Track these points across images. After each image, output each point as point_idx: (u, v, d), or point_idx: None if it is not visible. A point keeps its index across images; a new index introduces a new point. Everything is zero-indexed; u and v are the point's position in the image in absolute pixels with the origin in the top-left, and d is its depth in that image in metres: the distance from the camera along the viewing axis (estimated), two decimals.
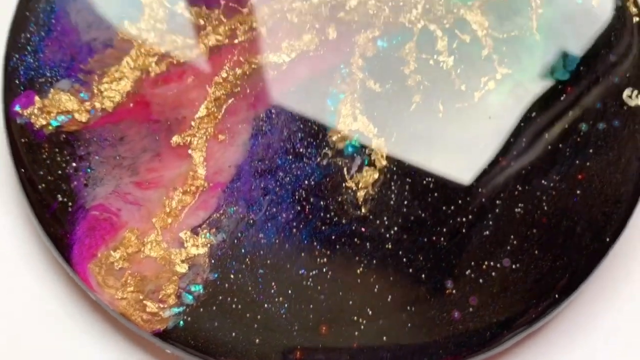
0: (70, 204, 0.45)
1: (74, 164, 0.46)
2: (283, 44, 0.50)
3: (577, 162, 0.47)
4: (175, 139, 0.47)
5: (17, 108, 0.47)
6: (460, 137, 0.48)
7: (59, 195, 0.45)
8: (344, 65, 0.49)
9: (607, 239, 0.45)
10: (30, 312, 0.46)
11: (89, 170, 0.46)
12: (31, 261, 0.47)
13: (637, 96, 0.48)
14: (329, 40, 0.50)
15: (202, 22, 0.50)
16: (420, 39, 0.50)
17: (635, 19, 0.50)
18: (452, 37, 0.50)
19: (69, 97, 0.47)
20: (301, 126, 0.48)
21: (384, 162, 0.47)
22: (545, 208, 0.46)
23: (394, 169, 0.47)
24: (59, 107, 0.47)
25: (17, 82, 0.48)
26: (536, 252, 0.45)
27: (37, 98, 0.47)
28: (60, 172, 0.46)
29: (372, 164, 0.47)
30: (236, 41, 0.49)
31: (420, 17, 0.50)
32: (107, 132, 0.47)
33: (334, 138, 0.48)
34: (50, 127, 0.47)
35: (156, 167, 0.46)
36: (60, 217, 0.45)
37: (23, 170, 0.46)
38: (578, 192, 0.46)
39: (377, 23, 0.50)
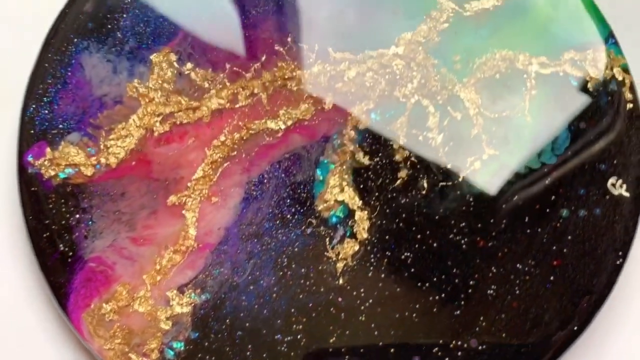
0: (70, 254, 0.49)
1: (77, 216, 0.50)
2: (281, 111, 0.52)
3: (554, 248, 0.48)
4: (172, 198, 0.50)
5: (30, 158, 0.51)
6: (441, 216, 0.49)
7: (61, 245, 0.49)
8: (337, 136, 0.51)
9: (575, 328, 0.46)
10: (25, 350, 0.50)
11: (90, 222, 0.50)
12: (33, 304, 0.51)
13: (621, 186, 0.49)
14: (324, 110, 0.52)
15: (206, 85, 0.52)
16: (412, 113, 0.52)
17: (629, 106, 0.51)
18: (444, 114, 0.51)
19: (77, 151, 0.51)
20: (290, 192, 0.50)
21: (365, 235, 0.49)
22: (517, 292, 0.47)
23: (375, 241, 0.49)
24: (67, 160, 0.51)
25: (32, 132, 0.52)
26: (503, 335, 0.46)
27: (48, 149, 0.51)
28: (64, 222, 0.50)
29: (353, 235, 0.49)
30: (237, 106, 0.52)
31: (415, 91, 0.52)
32: (110, 187, 0.50)
33: (320, 207, 0.50)
34: (58, 179, 0.51)
35: (152, 224, 0.50)
36: (61, 266, 0.49)
37: (31, 217, 0.50)
38: (551, 278, 0.47)
39: (373, 95, 0.52)
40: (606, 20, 0.54)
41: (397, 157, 0.51)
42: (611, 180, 0.49)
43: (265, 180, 0.50)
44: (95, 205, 0.50)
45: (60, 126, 0.52)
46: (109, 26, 0.54)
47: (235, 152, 0.51)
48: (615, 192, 0.49)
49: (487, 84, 0.52)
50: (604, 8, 0.54)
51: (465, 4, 0.55)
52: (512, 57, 0.53)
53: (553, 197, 0.49)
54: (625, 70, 0.52)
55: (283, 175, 0.50)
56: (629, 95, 0.51)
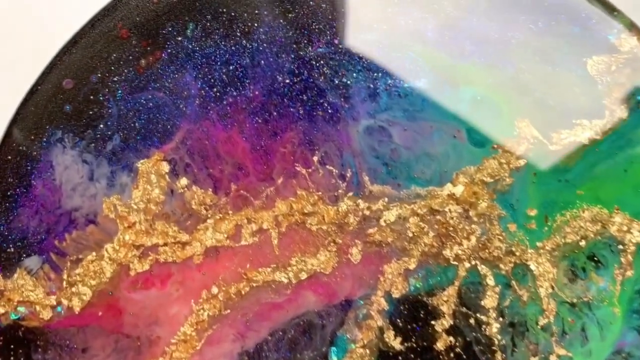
0: None
1: None
2: (294, 259, 0.40)
3: None
4: None
5: None
6: None
7: None
8: (363, 302, 0.40)
9: None
10: None
11: None
12: None
13: None
14: (350, 263, 0.40)
15: (203, 211, 0.41)
16: (465, 284, 0.39)
17: None
18: (505, 290, 0.39)
19: (34, 284, 0.40)
20: None
21: None
22: None
23: None
24: (21, 295, 0.40)
25: None
26: None
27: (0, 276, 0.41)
28: None
29: None
30: (239, 244, 0.41)
31: (471, 252, 0.40)
32: (70, 338, 0.40)
33: None
34: (8, 319, 0.40)
35: None
36: None
37: None
38: None
39: (415, 251, 0.40)
40: None
41: (439, 345, 0.39)
42: None
43: (263, 354, 0.39)
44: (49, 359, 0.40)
45: (18, 244, 0.42)
46: (91, 112, 0.42)
47: (229, 311, 0.40)
48: None
49: (567, 253, 0.40)
50: None
51: (553, 132, 0.41)
52: (605, 218, 0.40)
53: None
54: None
55: (287, 351, 0.39)
56: None
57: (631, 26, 0.43)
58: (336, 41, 0.43)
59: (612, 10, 0.43)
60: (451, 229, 0.40)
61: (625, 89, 0.42)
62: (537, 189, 0.41)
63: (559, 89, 0.42)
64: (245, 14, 0.44)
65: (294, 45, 0.43)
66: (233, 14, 0.44)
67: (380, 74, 0.43)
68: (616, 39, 0.43)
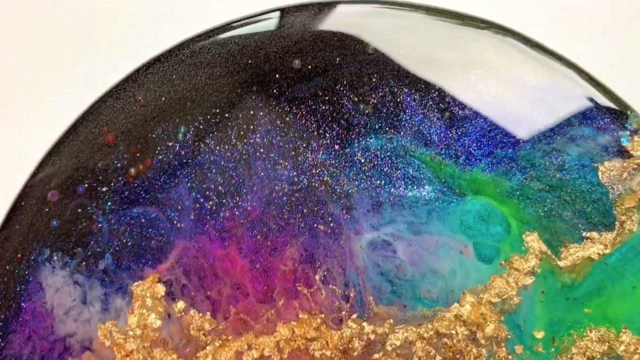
0: None
1: None
2: None
3: None
4: None
5: None
6: None
7: None
8: None
9: None
10: None
11: None
12: None
13: None
14: None
15: (202, 337, 0.40)
16: None
17: None
18: None
19: None
20: None
21: None
22: None
23: None
24: None
25: None
26: None
27: None
28: None
29: None
30: None
31: None
32: None
33: None
34: None
35: None
36: None
37: None
38: None
39: None
40: None
41: None
42: None
43: None
44: None
45: None
46: (80, 227, 0.40)
47: None
48: None
49: None
50: None
51: (562, 247, 0.40)
52: (613, 338, 0.39)
53: None
54: None
55: None
56: None
57: None
58: (337, 146, 0.41)
59: (625, 107, 0.42)
60: (458, 353, 0.39)
61: (637, 197, 0.41)
62: (544, 308, 0.40)
63: (569, 198, 0.41)
64: (240, 115, 0.41)
65: (292, 152, 0.41)
66: (227, 115, 0.41)
67: (383, 182, 0.41)
68: (629, 142, 0.41)
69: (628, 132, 0.41)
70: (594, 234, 0.41)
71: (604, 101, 0.41)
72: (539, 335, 0.39)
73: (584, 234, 0.41)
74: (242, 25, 0.42)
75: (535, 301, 0.40)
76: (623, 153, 0.41)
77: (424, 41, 0.42)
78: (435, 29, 0.42)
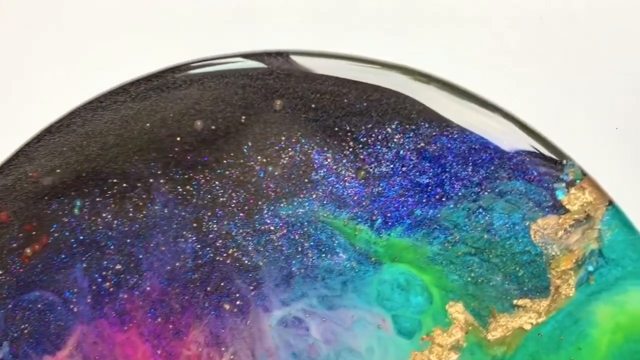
0: None
1: None
2: None
3: None
4: None
5: None
6: None
7: None
8: None
9: None
10: None
11: None
12: None
13: None
14: None
15: None
16: None
17: None
18: None
19: None
20: None
21: None
22: None
23: None
24: None
25: None
26: None
27: None
28: None
29: None
30: None
31: None
32: None
33: None
34: None
35: None
36: None
37: None
38: None
39: None
40: None
41: None
42: None
43: None
44: None
45: None
46: None
47: None
48: None
49: None
50: None
51: (490, 317, 0.36)
52: None
53: None
54: None
55: None
56: None
57: (582, 177, 0.37)
58: (243, 214, 0.38)
59: (560, 156, 0.37)
60: None
61: (574, 258, 0.37)
62: None
63: (498, 261, 0.37)
64: (139, 184, 0.38)
65: (195, 223, 0.38)
66: (125, 185, 0.38)
67: (294, 252, 0.38)
68: (565, 195, 0.37)
69: (564, 184, 0.37)
70: (526, 301, 0.37)
71: (536, 149, 0.37)
72: None
73: (515, 302, 0.37)
74: (136, 87, 0.39)
75: None
76: (558, 208, 0.37)
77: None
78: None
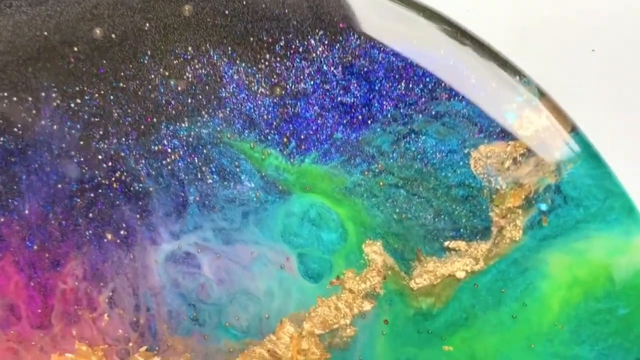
0: None
1: None
2: None
3: None
4: None
5: None
6: None
7: None
8: None
9: None
10: None
11: None
12: None
13: None
14: None
15: None
16: None
17: None
18: None
19: None
20: None
21: None
22: None
23: None
24: None
25: None
26: None
27: None
28: None
29: None
30: None
31: None
32: None
33: None
34: None
35: None
36: None
37: None
38: None
39: None
40: None
41: None
42: None
43: None
44: None
45: None
46: None
47: None
48: None
49: None
50: None
51: (415, 261, 0.30)
52: None
53: None
54: None
55: None
56: None
57: (539, 97, 0.31)
58: (137, 133, 0.33)
59: (514, 72, 0.31)
60: None
61: (524, 194, 0.30)
62: (388, 344, 0.29)
63: (430, 195, 0.30)
64: (29, 97, 0.34)
65: (82, 141, 0.33)
66: (14, 99, 0.34)
67: (191, 178, 0.32)
68: (516, 118, 0.30)
69: (515, 105, 0.30)
70: (461, 244, 0.30)
71: (483, 65, 0.31)
72: None
73: (446, 244, 0.30)
74: None
75: (376, 334, 0.30)
76: (507, 134, 0.30)
77: None
78: None
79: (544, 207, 0.30)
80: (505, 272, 0.29)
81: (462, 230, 0.30)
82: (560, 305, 0.29)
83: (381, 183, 0.31)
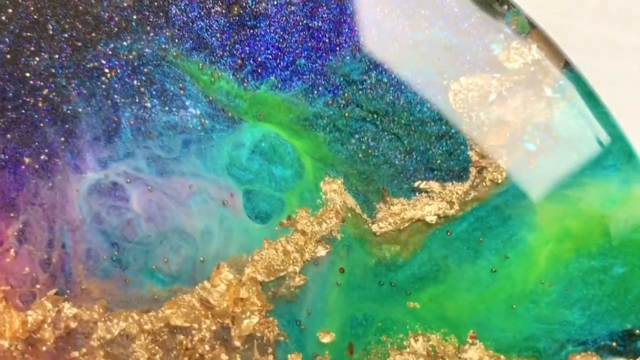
0: None
1: None
2: None
3: None
4: None
5: None
6: None
7: None
8: None
9: None
10: None
11: None
12: None
13: None
14: None
15: None
16: None
17: None
18: None
19: None
20: None
21: None
22: None
23: None
24: None
25: None
26: None
27: None
28: None
29: None
30: None
31: None
32: None
33: None
34: None
35: None
36: None
37: None
38: None
39: None
40: None
41: None
42: None
43: None
44: None
45: None
46: None
47: None
48: None
49: None
50: None
51: (379, 202, 0.26)
52: (451, 353, 0.24)
53: None
54: None
55: None
56: None
57: (528, 29, 0.27)
58: (71, 49, 0.29)
59: (503, 2, 0.27)
60: (197, 357, 0.25)
61: (509, 132, 0.26)
62: (343, 297, 0.25)
63: (401, 131, 0.26)
64: None
65: (9, 56, 0.29)
66: None
67: (127, 100, 0.28)
68: (502, 50, 0.27)
69: (502, 36, 0.27)
70: (434, 185, 0.26)
71: None
72: (327, 339, 0.24)
73: (416, 184, 0.26)
74: None
75: (330, 284, 0.25)
76: (493, 66, 0.27)
77: None
78: None
79: (532, 147, 0.26)
80: (484, 219, 0.25)
81: (435, 170, 0.26)
82: (547, 260, 0.25)
83: (347, 115, 0.27)
